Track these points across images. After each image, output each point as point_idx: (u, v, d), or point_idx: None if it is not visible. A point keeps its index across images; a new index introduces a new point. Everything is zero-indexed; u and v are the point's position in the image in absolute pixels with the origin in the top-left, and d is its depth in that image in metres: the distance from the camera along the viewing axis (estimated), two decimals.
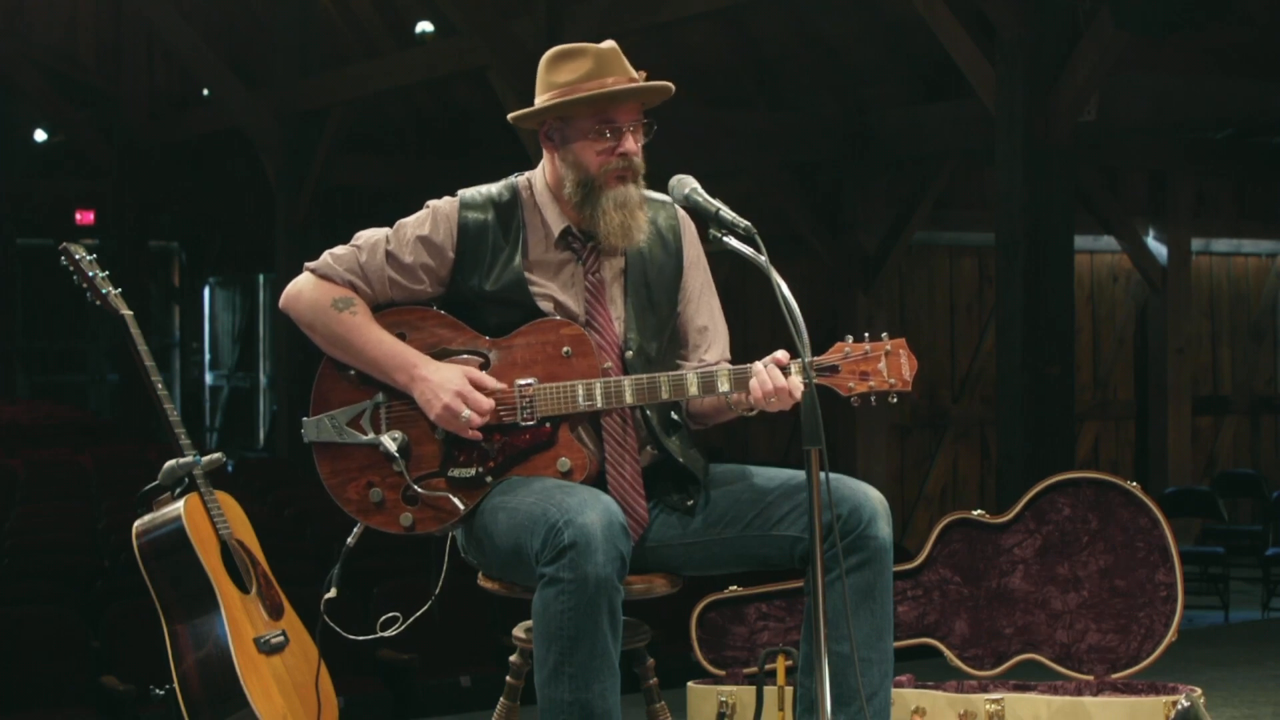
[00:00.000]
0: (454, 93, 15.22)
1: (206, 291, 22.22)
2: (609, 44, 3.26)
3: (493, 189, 3.34)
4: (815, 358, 3.10)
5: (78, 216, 17.47)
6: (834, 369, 3.16)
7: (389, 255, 3.27)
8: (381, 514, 3.24)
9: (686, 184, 3.20)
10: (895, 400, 3.19)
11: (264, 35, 14.82)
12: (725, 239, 3.11)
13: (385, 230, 3.31)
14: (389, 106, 15.97)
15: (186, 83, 16.51)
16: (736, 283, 13.22)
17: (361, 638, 3.46)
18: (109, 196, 16.80)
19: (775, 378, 3.10)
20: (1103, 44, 7.93)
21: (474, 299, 3.27)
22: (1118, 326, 14.62)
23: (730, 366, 3.20)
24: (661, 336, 3.35)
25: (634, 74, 3.25)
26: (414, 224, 3.30)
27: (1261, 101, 9.97)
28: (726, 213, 3.12)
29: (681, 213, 3.39)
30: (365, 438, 3.24)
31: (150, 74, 16.94)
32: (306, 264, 3.33)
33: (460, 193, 3.32)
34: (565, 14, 10.22)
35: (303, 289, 3.30)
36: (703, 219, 3.20)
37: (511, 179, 3.37)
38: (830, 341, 3.20)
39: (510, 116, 3.32)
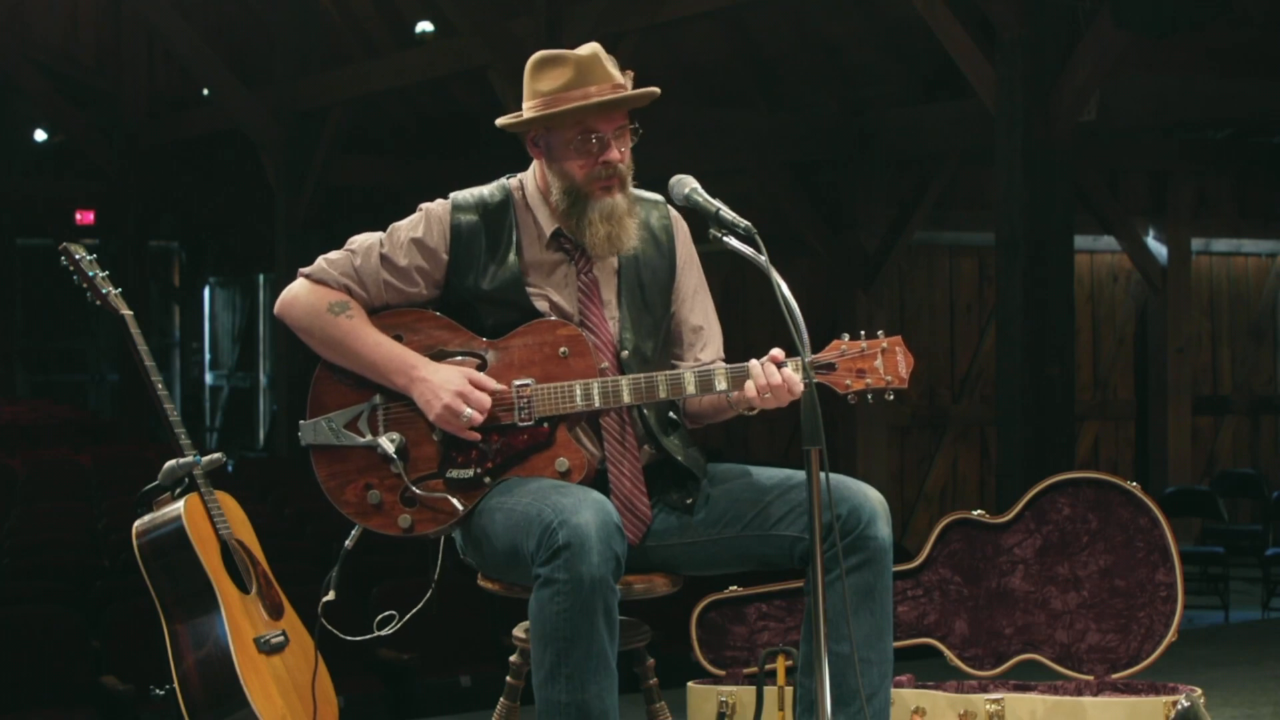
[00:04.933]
0: (454, 93, 15.20)
1: (206, 291, 22.23)
2: (590, 49, 3.23)
3: (484, 191, 3.33)
4: (812, 355, 3.09)
5: (78, 216, 17.43)
6: (830, 366, 3.16)
7: (383, 258, 3.26)
8: (380, 516, 3.23)
9: (686, 184, 3.19)
10: (892, 398, 3.18)
11: (264, 35, 14.81)
12: (725, 239, 3.10)
13: (379, 234, 3.30)
14: (389, 106, 15.96)
15: (186, 83, 16.49)
16: (736, 283, 13.22)
17: (359, 638, 3.46)
18: (109, 196, 16.79)
19: (771, 374, 3.10)
20: (1103, 44, 7.93)
21: (471, 299, 3.26)
22: (1118, 326, 14.61)
23: (727, 365, 3.20)
24: (656, 336, 3.34)
25: (618, 78, 3.22)
26: (407, 226, 3.29)
27: (1261, 101, 9.98)
28: (726, 213, 3.12)
29: (674, 212, 3.38)
30: (363, 440, 3.23)
31: (150, 74, 16.93)
32: (300, 270, 3.31)
33: (452, 195, 3.32)
34: (565, 14, 10.21)
35: (298, 294, 3.29)
36: (703, 219, 3.20)
37: (503, 180, 3.36)
38: (829, 341, 3.20)
39: (498, 122, 3.30)
